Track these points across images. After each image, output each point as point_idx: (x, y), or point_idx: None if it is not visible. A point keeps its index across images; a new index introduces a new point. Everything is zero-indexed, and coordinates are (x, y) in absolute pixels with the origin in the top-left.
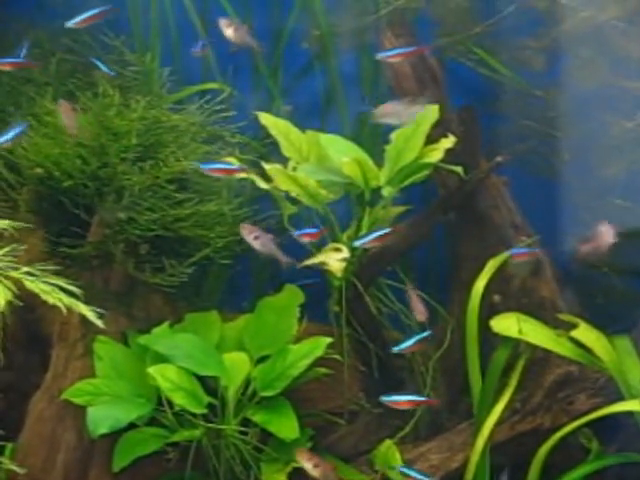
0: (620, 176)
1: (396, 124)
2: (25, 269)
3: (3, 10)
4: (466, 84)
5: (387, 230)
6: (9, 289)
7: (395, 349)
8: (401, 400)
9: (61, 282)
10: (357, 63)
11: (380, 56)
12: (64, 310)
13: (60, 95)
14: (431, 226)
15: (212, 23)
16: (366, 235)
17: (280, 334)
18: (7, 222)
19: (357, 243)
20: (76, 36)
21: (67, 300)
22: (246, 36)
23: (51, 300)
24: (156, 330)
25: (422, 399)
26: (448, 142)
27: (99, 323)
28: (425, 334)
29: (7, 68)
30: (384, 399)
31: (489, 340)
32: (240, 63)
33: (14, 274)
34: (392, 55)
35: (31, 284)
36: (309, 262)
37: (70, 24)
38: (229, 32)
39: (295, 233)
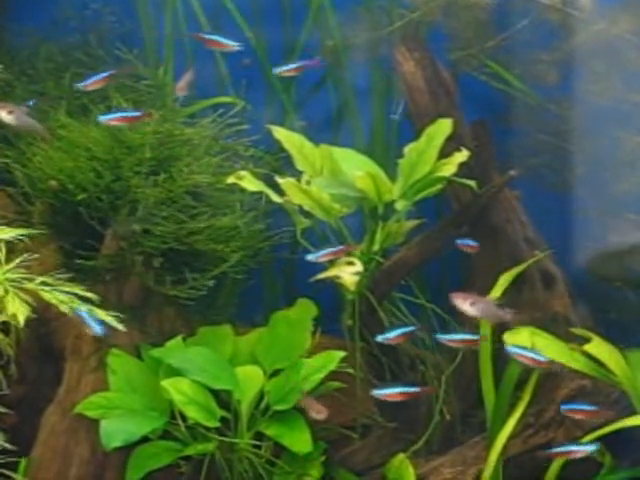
0: (633, 191)
1: None
2: (40, 279)
3: (17, 25)
4: (480, 98)
5: None
6: (25, 302)
7: (379, 338)
8: (393, 392)
9: (77, 290)
10: (370, 77)
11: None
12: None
13: (73, 109)
14: (444, 240)
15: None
16: None
17: (293, 348)
18: (20, 231)
19: None
20: (89, 50)
21: (84, 307)
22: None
23: (69, 311)
24: (169, 343)
25: (415, 389)
26: (461, 156)
27: (120, 327)
28: (411, 328)
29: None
30: (376, 393)
31: (502, 354)
32: (253, 77)
33: (29, 286)
34: (286, 70)
35: (48, 294)
36: (322, 276)
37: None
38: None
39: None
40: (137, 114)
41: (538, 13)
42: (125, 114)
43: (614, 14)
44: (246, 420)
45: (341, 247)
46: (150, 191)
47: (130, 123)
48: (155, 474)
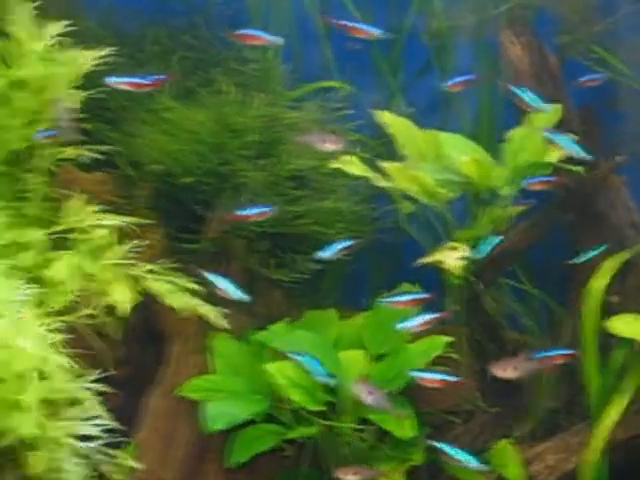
0: None
1: None
2: (148, 267)
3: (123, 8)
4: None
5: None
6: (134, 288)
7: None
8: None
9: (184, 281)
10: (476, 61)
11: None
12: (190, 311)
13: (179, 92)
14: (549, 226)
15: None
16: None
17: (398, 332)
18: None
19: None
20: (196, 33)
21: (192, 302)
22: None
23: (175, 304)
24: (274, 327)
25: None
26: None
27: (224, 324)
28: None
29: None
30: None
31: (607, 340)
32: (360, 61)
33: (136, 271)
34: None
35: (153, 284)
36: (426, 260)
37: None
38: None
39: None
40: (146, 81)
41: None
42: (132, 79)
43: None
44: (350, 404)
45: None
46: (255, 175)
47: (137, 89)
48: (258, 457)
